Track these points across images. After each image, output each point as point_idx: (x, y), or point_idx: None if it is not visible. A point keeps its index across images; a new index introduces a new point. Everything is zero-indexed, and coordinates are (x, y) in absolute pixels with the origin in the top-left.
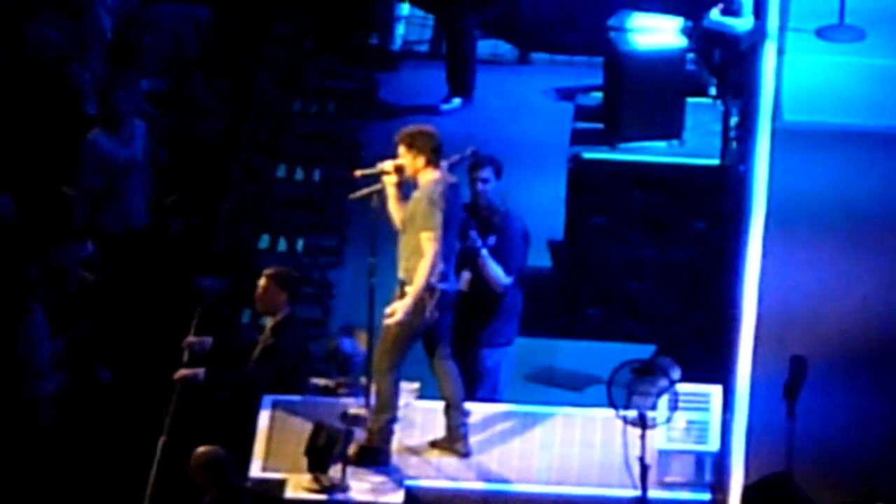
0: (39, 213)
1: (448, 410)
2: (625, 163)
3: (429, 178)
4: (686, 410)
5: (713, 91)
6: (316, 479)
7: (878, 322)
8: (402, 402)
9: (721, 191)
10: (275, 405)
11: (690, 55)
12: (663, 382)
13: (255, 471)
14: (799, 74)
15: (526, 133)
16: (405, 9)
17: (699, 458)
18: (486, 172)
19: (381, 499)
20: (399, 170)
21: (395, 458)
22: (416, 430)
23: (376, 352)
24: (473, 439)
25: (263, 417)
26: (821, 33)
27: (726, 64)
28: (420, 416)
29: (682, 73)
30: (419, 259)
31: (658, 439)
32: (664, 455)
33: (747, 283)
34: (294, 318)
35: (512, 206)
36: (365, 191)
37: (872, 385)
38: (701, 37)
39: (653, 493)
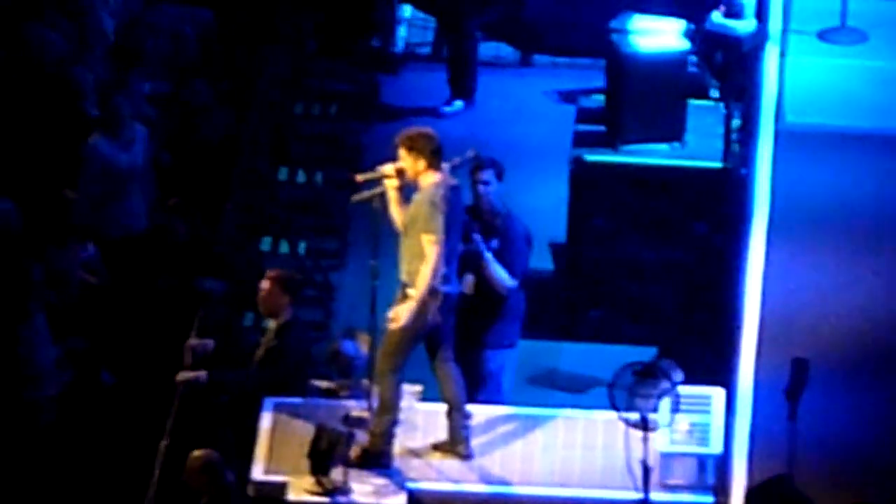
0: (41, 216)
1: (450, 413)
2: (627, 165)
3: (429, 180)
4: (688, 413)
5: (715, 93)
6: (318, 482)
7: (880, 324)
8: (403, 404)
9: (723, 193)
10: (277, 408)
11: (692, 57)
12: (665, 385)
13: (257, 473)
14: (801, 77)
15: (528, 135)
16: (407, 11)
17: (701, 460)
18: (488, 175)
19: (383, 501)
20: (400, 173)
21: (397, 461)
22: (418, 433)
23: (378, 354)
24: (475, 442)
25: (265, 420)
26: (823, 36)
27: (728, 66)
28: (422, 419)
29: (684, 75)
30: (421, 262)
31: (660, 442)
32: (666, 457)
33: (749, 285)
34: (296, 320)
35: (514, 208)
36: (366, 194)
37: (874, 387)
38: (703, 39)
39: (655, 496)
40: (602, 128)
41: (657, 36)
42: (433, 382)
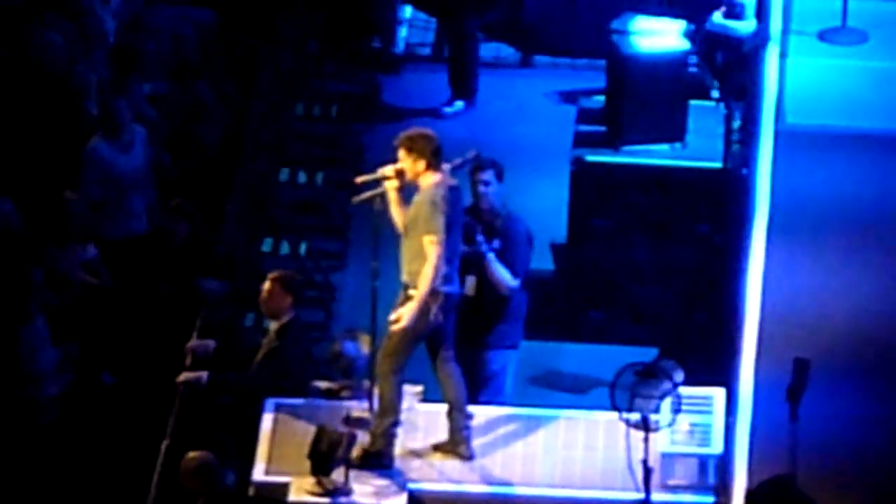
0: (41, 217)
1: (451, 413)
2: (627, 166)
3: (430, 181)
4: (689, 413)
5: (716, 94)
6: (319, 483)
7: (882, 324)
8: (405, 405)
9: (724, 194)
10: (278, 408)
11: (693, 58)
12: (666, 385)
13: (258, 474)
14: (801, 77)
15: (528, 136)
16: (408, 12)
17: (702, 461)
18: (488, 175)
19: (384, 502)
20: (400, 174)
21: (398, 462)
22: (419, 434)
23: (379, 355)
24: (476, 442)
25: (266, 420)
26: (823, 36)
27: (729, 67)
28: (423, 420)
29: (685, 75)
30: (422, 262)
31: (661, 442)
32: (667, 458)
33: (750, 285)
34: (297, 321)
35: (514, 208)
36: (367, 194)
37: (875, 387)
38: (703, 40)
39: (656, 497)
40: (603, 128)
41: (658, 36)
42: (434, 383)
